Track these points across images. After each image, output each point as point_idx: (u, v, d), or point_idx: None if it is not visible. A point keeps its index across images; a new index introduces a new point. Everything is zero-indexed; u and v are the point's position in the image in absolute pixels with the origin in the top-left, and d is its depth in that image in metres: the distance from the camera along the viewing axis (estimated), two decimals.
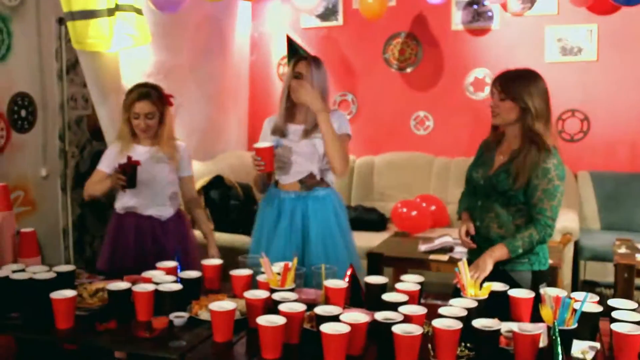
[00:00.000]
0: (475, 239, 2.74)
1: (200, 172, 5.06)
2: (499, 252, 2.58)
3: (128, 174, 3.06)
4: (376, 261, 3.99)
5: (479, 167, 2.76)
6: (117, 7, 3.95)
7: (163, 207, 3.30)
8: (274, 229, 3.19)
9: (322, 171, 3.22)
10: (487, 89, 5.66)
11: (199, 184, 4.89)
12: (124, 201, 3.28)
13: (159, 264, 2.69)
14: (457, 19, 5.85)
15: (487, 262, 2.55)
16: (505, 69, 2.69)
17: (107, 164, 3.26)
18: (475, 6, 5.79)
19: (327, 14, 6.25)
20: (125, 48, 4.21)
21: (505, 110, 2.62)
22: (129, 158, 3.09)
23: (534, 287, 2.51)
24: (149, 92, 3.21)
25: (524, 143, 2.61)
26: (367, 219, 5.44)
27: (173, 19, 4.70)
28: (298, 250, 3.11)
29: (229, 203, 5.01)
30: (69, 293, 2.24)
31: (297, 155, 3.17)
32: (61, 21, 4.63)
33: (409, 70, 6.08)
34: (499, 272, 2.60)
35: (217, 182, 5.08)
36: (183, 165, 3.36)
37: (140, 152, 3.23)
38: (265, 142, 3.13)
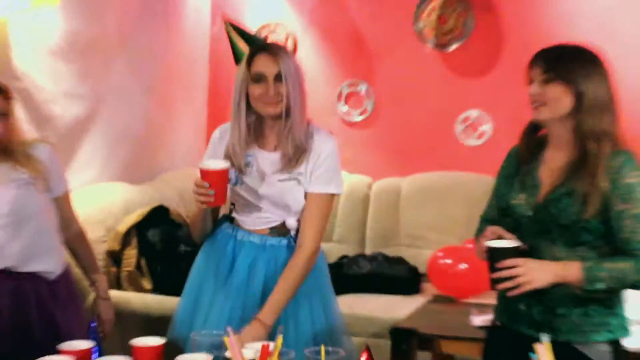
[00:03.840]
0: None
1: (133, 200, 5.08)
2: (571, 272, 2.63)
3: None
4: (405, 340, 3.96)
5: (518, 191, 2.83)
6: None
7: (49, 256, 3.32)
8: (223, 281, 3.23)
9: (299, 223, 3.28)
10: None
11: (130, 218, 4.89)
12: None
13: (62, 346, 2.61)
14: None
15: (546, 274, 2.62)
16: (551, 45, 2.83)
17: None
18: None
19: None
20: (19, 12, 4.21)
21: (555, 97, 2.70)
22: None
23: None
24: None
25: (582, 147, 2.70)
26: (390, 274, 5.44)
27: None
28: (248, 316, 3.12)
29: (177, 249, 5.01)
30: None
31: (266, 200, 3.23)
32: None
33: (453, 47, 6.09)
34: (563, 347, 2.59)
35: (158, 216, 5.08)
36: (54, 179, 3.39)
37: None
38: (216, 160, 3.14)
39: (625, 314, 2.76)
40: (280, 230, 3.25)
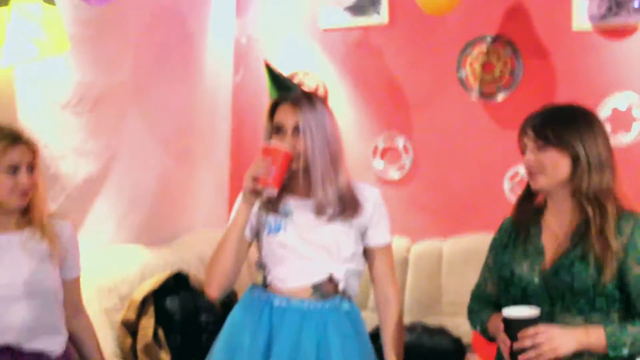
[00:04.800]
0: None
1: (149, 265, 5.07)
2: (594, 338, 2.73)
3: None
4: None
5: (521, 259, 2.95)
6: None
7: (54, 335, 3.33)
8: (261, 357, 3.17)
9: (347, 275, 3.28)
10: (636, 127, 5.68)
11: (146, 285, 4.88)
12: None
13: None
14: (582, 12, 5.86)
15: (569, 341, 2.70)
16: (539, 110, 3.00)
17: None
18: None
19: (364, 6, 6.36)
20: (26, 61, 4.21)
21: (551, 164, 2.84)
22: None
23: None
24: (22, 133, 3.29)
25: (585, 210, 2.83)
26: (430, 346, 5.41)
27: (106, 15, 4.73)
28: None
29: (197, 319, 5.03)
30: None
31: (312, 245, 3.22)
32: None
33: (500, 97, 6.12)
34: None
35: (177, 283, 5.08)
36: (69, 260, 3.44)
37: (2, 243, 3.27)
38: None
39: None
40: (326, 288, 3.23)
